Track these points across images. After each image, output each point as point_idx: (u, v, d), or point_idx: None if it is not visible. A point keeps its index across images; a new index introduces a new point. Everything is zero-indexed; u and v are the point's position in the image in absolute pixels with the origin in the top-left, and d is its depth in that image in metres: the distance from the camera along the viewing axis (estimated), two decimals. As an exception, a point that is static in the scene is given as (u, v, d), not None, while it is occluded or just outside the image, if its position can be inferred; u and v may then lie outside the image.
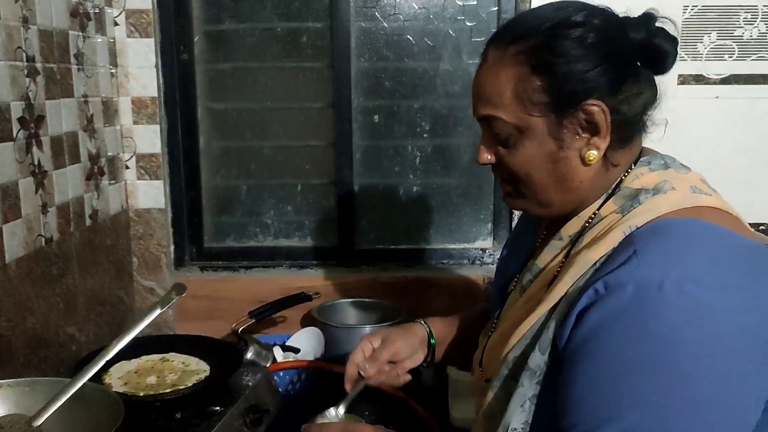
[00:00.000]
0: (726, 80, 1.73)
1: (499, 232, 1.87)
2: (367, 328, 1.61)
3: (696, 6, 1.70)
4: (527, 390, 0.83)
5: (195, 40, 1.79)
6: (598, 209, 0.86)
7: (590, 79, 0.81)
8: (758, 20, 1.70)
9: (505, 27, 0.89)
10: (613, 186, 0.87)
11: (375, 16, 1.78)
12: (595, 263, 0.80)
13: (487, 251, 1.88)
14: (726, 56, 1.73)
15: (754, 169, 1.76)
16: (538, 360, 0.82)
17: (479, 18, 1.77)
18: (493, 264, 1.87)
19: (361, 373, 1.09)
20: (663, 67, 0.85)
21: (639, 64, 0.85)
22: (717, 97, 1.74)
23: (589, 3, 0.86)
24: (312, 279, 1.83)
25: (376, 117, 1.83)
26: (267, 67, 1.82)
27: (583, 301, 0.76)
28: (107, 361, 1.00)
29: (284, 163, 1.87)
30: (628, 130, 0.86)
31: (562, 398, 0.77)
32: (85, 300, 1.54)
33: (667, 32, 0.85)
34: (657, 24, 0.85)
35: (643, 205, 0.82)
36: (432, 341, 1.14)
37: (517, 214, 1.82)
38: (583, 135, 0.84)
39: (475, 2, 1.76)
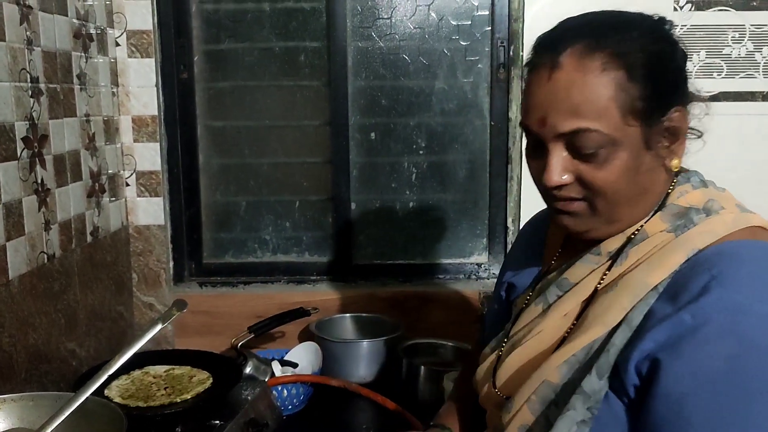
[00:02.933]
0: (715, 97, 1.77)
1: (494, 247, 1.89)
2: (365, 343, 1.63)
3: (685, 25, 1.74)
4: (578, 414, 0.78)
5: (195, 59, 1.83)
6: (642, 225, 0.84)
7: (680, 83, 0.83)
8: (746, 39, 1.75)
9: (568, 30, 0.83)
10: (659, 202, 0.85)
11: (371, 36, 1.81)
12: (656, 287, 0.78)
13: (482, 266, 1.91)
14: (715, 74, 1.76)
15: (744, 185, 1.76)
16: (595, 385, 0.78)
17: (473, 38, 1.81)
18: (488, 279, 1.89)
19: None
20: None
21: None
22: (707, 114, 1.77)
23: (646, 12, 0.86)
24: (310, 294, 1.85)
25: (372, 134, 1.86)
26: (265, 86, 1.85)
27: (663, 332, 0.73)
28: (109, 376, 1.02)
29: (282, 179, 1.90)
30: (690, 138, 0.87)
31: None
32: (86, 316, 1.56)
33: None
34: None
35: (699, 226, 0.80)
36: None
37: (511, 229, 1.85)
38: (666, 142, 0.82)
39: (469, 22, 1.80)
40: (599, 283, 0.84)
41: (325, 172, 1.88)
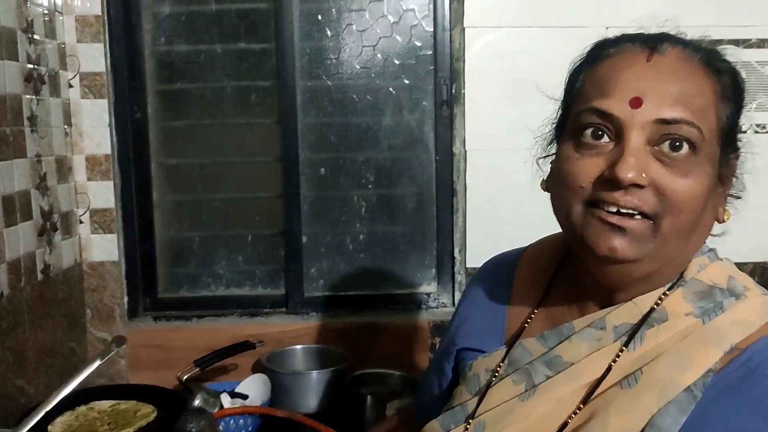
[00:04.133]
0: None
1: (443, 276, 1.94)
2: (313, 374, 1.67)
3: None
4: None
5: (148, 99, 1.88)
6: (660, 300, 0.73)
7: (740, 126, 0.74)
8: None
9: (667, 36, 0.74)
10: (678, 274, 0.74)
11: (319, 75, 1.88)
12: (689, 387, 0.67)
13: (431, 295, 1.96)
14: None
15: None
16: None
17: (418, 76, 1.88)
18: (438, 308, 1.94)
19: None
20: None
21: None
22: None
23: None
24: (263, 326, 1.88)
25: (322, 169, 1.92)
26: (218, 124, 1.91)
27: None
28: (53, 412, 1.05)
29: (235, 214, 1.94)
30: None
31: None
32: (36, 352, 1.58)
33: None
34: None
35: (729, 313, 0.71)
36: None
37: (458, 258, 1.90)
38: (720, 188, 0.73)
39: (413, 62, 1.88)
40: (608, 370, 0.72)
41: (276, 206, 1.93)
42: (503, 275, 0.91)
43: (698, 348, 0.69)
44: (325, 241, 1.95)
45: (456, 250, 1.91)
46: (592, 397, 0.71)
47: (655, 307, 0.72)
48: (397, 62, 1.88)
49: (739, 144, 0.74)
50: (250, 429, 1.54)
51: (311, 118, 1.90)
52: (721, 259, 0.77)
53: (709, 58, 0.72)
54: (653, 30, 0.75)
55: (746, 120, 0.84)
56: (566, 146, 0.74)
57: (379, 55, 1.88)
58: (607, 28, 1.80)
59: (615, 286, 0.74)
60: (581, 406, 0.72)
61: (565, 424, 0.72)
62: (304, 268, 1.94)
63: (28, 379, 1.54)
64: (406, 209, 1.94)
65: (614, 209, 0.68)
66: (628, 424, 0.67)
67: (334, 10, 1.86)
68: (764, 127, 1.85)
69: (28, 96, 1.56)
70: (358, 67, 1.88)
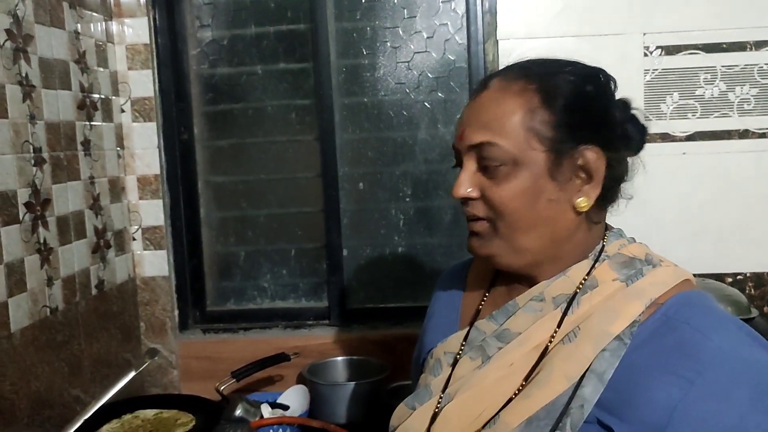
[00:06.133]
0: (691, 137, 1.81)
1: (482, 288, 1.94)
2: (350, 385, 1.70)
3: (657, 69, 1.80)
4: None
5: (194, 121, 1.97)
6: (588, 273, 0.86)
7: (592, 125, 0.84)
8: (717, 80, 1.79)
9: (514, 64, 0.89)
10: (598, 251, 0.88)
11: (356, 92, 1.93)
12: (618, 336, 0.79)
13: (471, 307, 1.96)
14: (689, 114, 1.81)
15: (724, 221, 1.81)
16: None
17: (452, 90, 1.90)
18: (478, 319, 1.94)
19: None
20: (630, 149, 0.89)
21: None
22: (684, 154, 1.82)
23: (590, 65, 0.90)
24: (306, 338, 1.93)
25: (360, 184, 1.96)
26: (260, 142, 1.98)
27: (670, 393, 0.74)
28: (101, 419, 1.14)
29: (278, 229, 2.01)
30: (613, 190, 0.88)
31: None
32: (91, 363, 1.67)
33: (639, 121, 0.90)
34: (632, 111, 0.89)
35: (648, 277, 0.84)
36: None
37: (497, 271, 1.90)
38: (577, 180, 0.84)
39: (448, 75, 1.90)
40: (554, 333, 0.83)
41: (318, 220, 1.98)
42: (458, 275, 1.06)
43: (624, 303, 0.82)
44: (365, 254, 1.99)
45: (494, 262, 1.90)
46: (543, 358, 0.83)
47: (587, 277, 0.86)
48: (431, 76, 1.91)
49: (593, 138, 0.84)
50: (288, 438, 1.59)
51: (349, 134, 1.95)
52: (639, 243, 0.91)
53: (529, 79, 0.84)
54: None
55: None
56: None
57: (414, 71, 1.91)
58: (644, 34, 1.80)
59: (517, 273, 0.90)
60: (532, 369, 0.83)
61: (520, 386, 0.83)
62: (345, 280, 1.99)
63: (84, 389, 1.64)
64: (443, 221, 1.96)
65: (469, 218, 0.89)
66: (570, 371, 0.79)
67: (368, 28, 1.91)
68: (816, 130, 1.78)
69: (81, 122, 1.67)
70: (394, 83, 1.92)
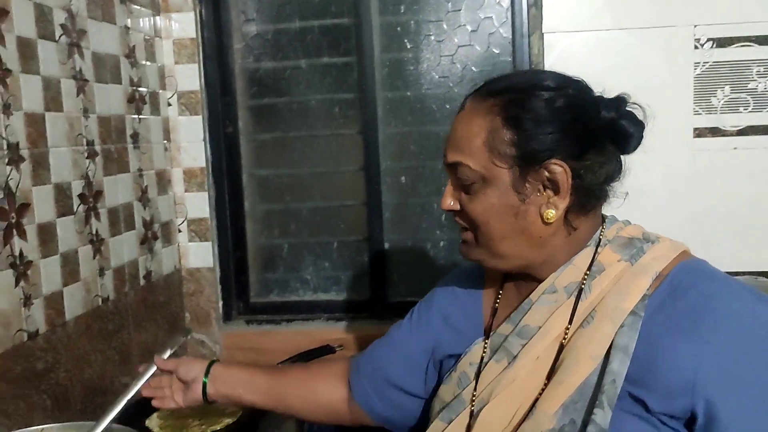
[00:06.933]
0: (743, 132, 1.77)
1: (525, 283, 1.93)
2: (393, 378, 1.71)
3: (707, 62, 1.76)
4: None
5: (239, 114, 1.99)
6: (593, 259, 0.90)
7: (555, 140, 0.87)
8: (771, 72, 1.75)
9: (485, 82, 0.94)
10: (598, 238, 0.92)
11: (399, 87, 1.93)
12: (632, 311, 0.84)
13: (513, 302, 1.95)
14: (741, 108, 1.77)
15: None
16: (608, 416, 0.80)
17: (496, 83, 1.89)
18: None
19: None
20: (626, 146, 0.91)
21: (606, 139, 0.90)
22: (735, 149, 1.77)
23: (566, 75, 0.93)
24: (347, 331, 1.95)
25: (403, 178, 1.96)
26: (304, 136, 1.99)
27: (687, 349, 0.80)
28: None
29: (321, 222, 2.02)
30: (589, 196, 0.90)
31: None
32: (140, 352, 1.71)
33: (635, 116, 0.90)
34: (627, 108, 0.91)
35: (649, 253, 0.90)
36: (205, 380, 1.16)
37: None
38: (544, 193, 0.88)
39: (492, 69, 1.89)
40: (571, 320, 0.88)
41: (360, 214, 1.99)
42: (476, 274, 1.07)
43: (632, 280, 0.87)
44: (406, 248, 1.99)
45: (537, 257, 1.89)
46: (566, 346, 0.87)
47: (592, 263, 0.91)
48: (475, 70, 1.89)
49: (558, 153, 0.87)
50: (329, 427, 1.60)
51: (392, 128, 1.95)
52: (634, 224, 0.97)
53: (495, 98, 0.89)
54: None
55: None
56: None
57: (457, 65, 1.90)
58: (695, 26, 1.76)
59: (515, 273, 0.96)
60: (558, 356, 0.87)
61: (549, 375, 0.87)
62: (387, 273, 1.99)
63: (134, 376, 1.67)
64: (487, 216, 1.95)
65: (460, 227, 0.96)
66: (594, 351, 0.84)
67: (412, 22, 1.90)
68: None
69: (130, 116, 1.71)
70: (437, 77, 1.91)
